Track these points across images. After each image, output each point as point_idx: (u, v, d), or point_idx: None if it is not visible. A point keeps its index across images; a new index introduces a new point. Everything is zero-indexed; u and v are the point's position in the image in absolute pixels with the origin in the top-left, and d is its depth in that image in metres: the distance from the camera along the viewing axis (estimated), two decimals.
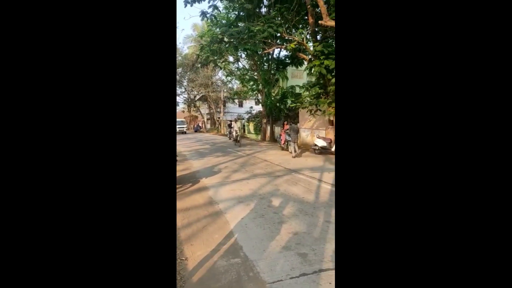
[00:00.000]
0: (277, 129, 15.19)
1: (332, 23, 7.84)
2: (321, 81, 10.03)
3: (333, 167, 7.24)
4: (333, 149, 9.15)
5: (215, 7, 10.16)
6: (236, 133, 13.61)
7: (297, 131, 9.48)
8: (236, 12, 12.45)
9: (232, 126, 14.91)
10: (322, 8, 8.19)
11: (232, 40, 10.43)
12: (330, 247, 2.68)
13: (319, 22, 8.34)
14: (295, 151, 9.17)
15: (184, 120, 28.04)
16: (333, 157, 9.00)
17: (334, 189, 4.94)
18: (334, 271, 2.26)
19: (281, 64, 14.97)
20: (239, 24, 11.07)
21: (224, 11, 14.24)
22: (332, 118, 10.40)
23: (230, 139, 15.97)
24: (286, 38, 10.33)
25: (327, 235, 2.97)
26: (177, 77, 25.66)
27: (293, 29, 10.20)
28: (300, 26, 10.93)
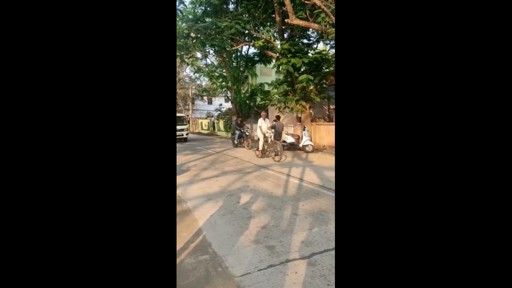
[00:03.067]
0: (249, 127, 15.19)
1: (298, 22, 8.03)
2: (289, 79, 10.24)
3: (301, 162, 7.47)
4: (300, 145, 9.42)
5: (181, 1, 9.87)
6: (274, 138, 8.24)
7: (280, 132, 8.31)
8: (203, 7, 12.20)
9: (260, 125, 8.69)
10: (288, 6, 8.35)
11: (199, 35, 10.22)
12: (296, 238, 2.78)
13: (286, 20, 8.49)
14: (278, 154, 7.76)
15: (183, 116, 16.10)
16: (301, 152, 9.27)
17: (301, 183, 5.11)
18: (300, 260, 2.36)
19: (250, 61, 15.01)
20: (206, 20, 10.88)
21: (190, 5, 13.89)
22: (300, 115, 10.69)
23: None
24: (254, 35, 10.38)
25: (294, 227, 3.07)
26: None
27: (261, 27, 10.27)
28: (268, 24, 11.04)
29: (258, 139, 8.67)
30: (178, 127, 14.05)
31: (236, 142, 11.33)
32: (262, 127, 8.62)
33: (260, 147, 8.46)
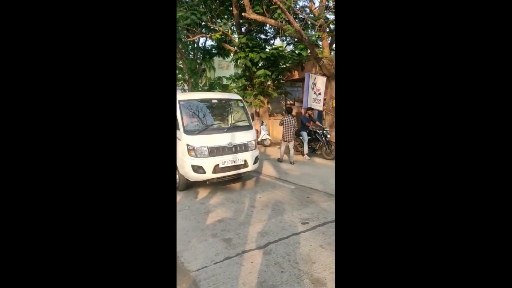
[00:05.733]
0: None
1: (255, 16, 8.06)
2: (247, 74, 10.28)
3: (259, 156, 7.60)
4: (259, 139, 9.57)
5: None
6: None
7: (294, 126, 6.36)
8: None
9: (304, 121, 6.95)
10: (245, 0, 8.33)
11: None
12: (253, 230, 2.85)
13: (243, 14, 8.47)
14: (303, 154, 6.68)
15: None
16: (259, 146, 9.43)
17: (258, 176, 5.22)
18: (256, 250, 2.43)
19: (207, 54, 14.66)
20: None
21: None
22: (258, 109, 10.83)
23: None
24: (211, 27, 10.15)
25: (251, 219, 3.14)
26: None
27: (218, 19, 10.08)
28: (225, 16, 10.88)
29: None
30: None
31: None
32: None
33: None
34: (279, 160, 6.56)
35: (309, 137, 7.13)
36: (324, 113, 8.45)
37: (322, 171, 5.41)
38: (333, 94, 8.12)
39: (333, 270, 2.10)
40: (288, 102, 12.49)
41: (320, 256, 2.31)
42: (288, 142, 6.34)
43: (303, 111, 7.51)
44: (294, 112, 6.87)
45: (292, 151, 6.47)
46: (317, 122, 7.42)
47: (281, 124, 6.45)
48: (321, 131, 7.05)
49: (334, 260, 2.22)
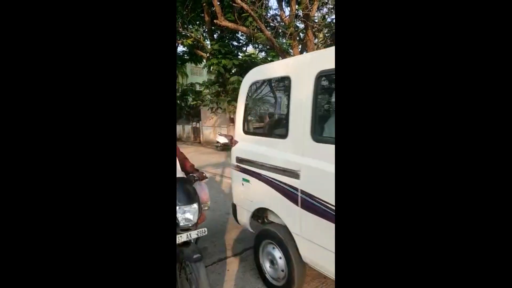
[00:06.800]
0: (180, 128, 14.57)
1: (226, 23, 8.13)
2: (220, 80, 10.28)
3: None
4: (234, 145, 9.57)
5: None
6: None
7: None
8: None
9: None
10: (217, 7, 8.38)
11: None
12: (229, 237, 2.84)
13: (215, 21, 8.50)
14: None
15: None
16: None
17: None
18: (232, 258, 2.42)
19: (179, 60, 14.45)
20: None
21: None
22: (233, 115, 10.84)
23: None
24: (183, 33, 10.05)
25: (227, 226, 3.13)
26: None
27: (190, 25, 10.01)
28: (197, 23, 10.84)
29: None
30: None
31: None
32: None
33: None
34: None
35: None
36: None
37: None
38: None
39: (308, 273, 2.16)
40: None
41: None
42: None
43: None
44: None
45: None
46: None
47: None
48: None
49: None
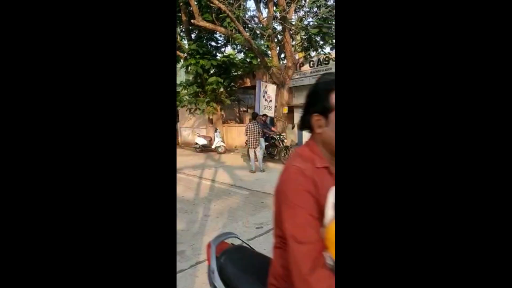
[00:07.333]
0: None
1: (204, 23, 8.05)
2: (199, 80, 10.15)
3: (213, 163, 7.52)
4: (213, 146, 9.48)
5: None
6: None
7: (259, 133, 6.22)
8: None
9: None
10: (194, 8, 8.27)
11: None
12: (207, 239, 2.80)
13: (192, 21, 8.39)
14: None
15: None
16: (213, 154, 9.34)
17: (213, 184, 5.17)
18: None
19: None
20: None
21: None
22: (211, 116, 10.74)
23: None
24: None
25: (205, 229, 3.09)
26: None
27: None
28: None
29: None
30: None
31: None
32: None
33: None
34: (251, 171, 6.13)
35: (267, 143, 7.25)
36: (275, 119, 8.76)
37: (275, 176, 5.57)
38: (283, 102, 8.50)
39: None
40: (242, 109, 12.65)
41: None
42: (254, 148, 6.16)
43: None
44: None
45: (260, 157, 6.27)
46: (273, 128, 7.64)
47: (246, 133, 6.23)
48: (277, 136, 7.25)
49: None
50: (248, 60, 9.97)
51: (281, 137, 7.25)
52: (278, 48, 8.84)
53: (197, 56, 9.12)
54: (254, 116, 6.63)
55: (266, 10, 8.71)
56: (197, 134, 10.52)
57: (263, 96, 8.20)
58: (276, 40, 8.56)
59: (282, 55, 9.34)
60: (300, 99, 10.44)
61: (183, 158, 8.48)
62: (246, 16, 9.49)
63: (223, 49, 11.66)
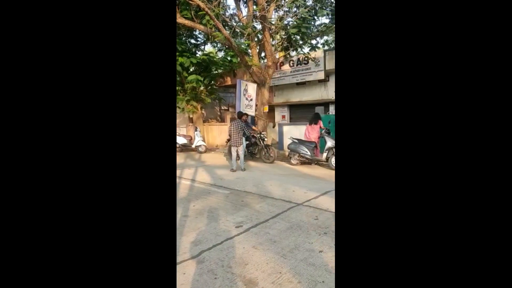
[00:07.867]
0: None
1: (183, 21, 7.89)
2: (178, 78, 9.95)
3: (193, 163, 7.41)
4: (193, 145, 9.34)
5: None
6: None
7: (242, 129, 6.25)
8: None
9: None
10: None
11: None
12: (186, 240, 2.76)
13: None
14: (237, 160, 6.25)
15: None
16: (194, 153, 9.20)
17: (193, 184, 5.09)
18: (189, 261, 2.36)
19: None
20: None
21: None
22: (192, 115, 10.58)
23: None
24: None
25: (184, 229, 3.04)
26: None
27: None
28: None
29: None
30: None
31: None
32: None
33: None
34: (232, 170, 6.06)
35: (247, 142, 7.26)
36: (256, 118, 8.78)
37: (256, 174, 5.61)
38: (264, 101, 8.53)
39: (264, 268, 2.20)
40: (223, 108, 12.55)
41: (252, 257, 2.38)
42: (237, 147, 6.12)
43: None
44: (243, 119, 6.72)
45: (242, 156, 6.23)
46: (254, 127, 7.64)
47: (230, 132, 6.17)
48: (258, 135, 7.26)
49: (265, 259, 2.32)
50: (228, 58, 9.91)
51: (262, 135, 7.28)
52: (258, 47, 8.85)
53: (176, 54, 8.93)
54: (239, 115, 6.62)
55: (246, 8, 8.69)
56: (177, 133, 10.32)
57: (244, 95, 8.19)
58: (256, 39, 8.56)
59: (263, 54, 9.36)
60: (280, 98, 10.52)
61: None
62: (226, 14, 9.42)
63: (203, 47, 11.50)
